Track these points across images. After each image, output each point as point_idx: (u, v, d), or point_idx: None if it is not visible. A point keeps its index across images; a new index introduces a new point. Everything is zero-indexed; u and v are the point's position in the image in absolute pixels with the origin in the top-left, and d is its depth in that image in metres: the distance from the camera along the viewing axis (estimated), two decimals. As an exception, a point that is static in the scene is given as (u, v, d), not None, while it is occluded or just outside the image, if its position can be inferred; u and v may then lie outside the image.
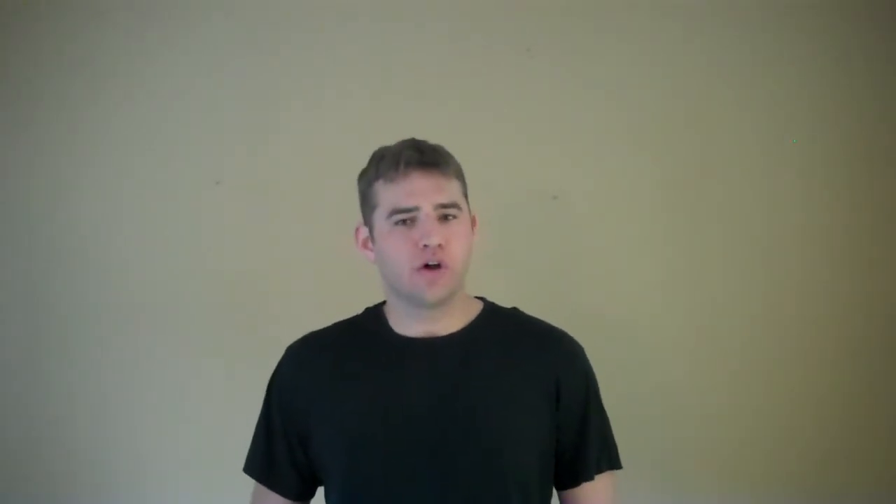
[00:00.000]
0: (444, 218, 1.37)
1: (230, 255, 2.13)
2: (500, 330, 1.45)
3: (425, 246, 1.35)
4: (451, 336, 1.42)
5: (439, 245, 1.35)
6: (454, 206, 1.38)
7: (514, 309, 1.50)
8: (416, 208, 1.36)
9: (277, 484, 1.49)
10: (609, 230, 2.13)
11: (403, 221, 1.37)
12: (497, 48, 2.12)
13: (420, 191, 1.36)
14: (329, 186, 2.10)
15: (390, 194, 1.38)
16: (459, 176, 1.42)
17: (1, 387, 2.13)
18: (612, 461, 1.47)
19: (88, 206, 2.15)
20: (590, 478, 1.43)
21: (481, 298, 1.50)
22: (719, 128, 2.12)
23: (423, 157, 1.37)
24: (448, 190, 1.38)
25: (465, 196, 1.43)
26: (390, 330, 1.44)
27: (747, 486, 2.10)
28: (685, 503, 2.09)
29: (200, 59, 2.14)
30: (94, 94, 2.14)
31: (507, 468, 1.37)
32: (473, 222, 1.44)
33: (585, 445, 1.43)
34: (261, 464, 1.50)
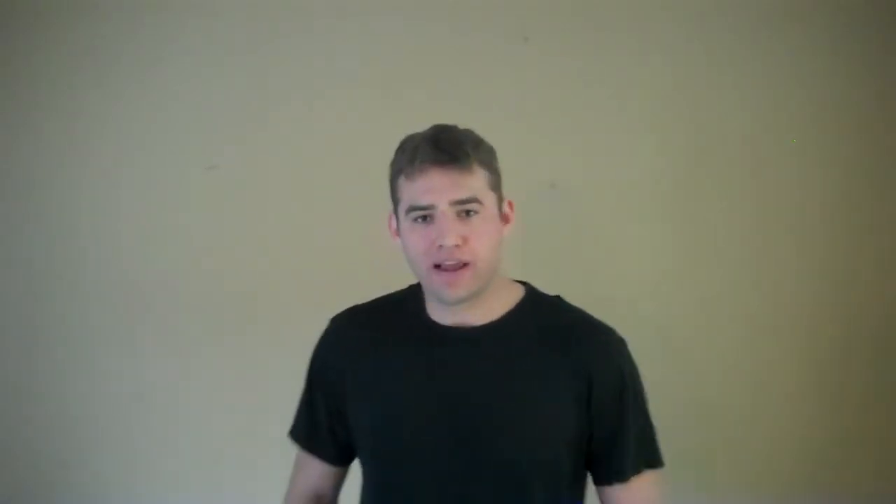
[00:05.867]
0: (466, 213, 1.33)
1: (224, 244, 2.13)
2: (537, 322, 1.42)
3: (441, 245, 1.33)
4: (486, 327, 1.40)
5: (457, 245, 1.32)
6: (473, 201, 1.33)
7: (558, 297, 1.47)
8: (431, 206, 1.33)
9: (317, 449, 1.53)
10: (607, 218, 2.12)
11: (424, 218, 1.34)
12: (494, 37, 2.11)
13: (436, 188, 1.32)
14: (324, 172, 2.10)
15: (408, 190, 1.35)
16: (486, 165, 1.37)
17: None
18: (651, 462, 1.43)
19: (85, 196, 2.14)
20: (624, 479, 1.40)
21: (524, 283, 1.48)
22: (716, 116, 2.11)
23: (438, 152, 1.32)
24: (466, 185, 1.33)
25: (495, 185, 1.38)
26: (427, 315, 1.43)
27: (739, 482, 2.10)
28: (675, 498, 2.08)
29: (197, 44, 2.13)
30: (92, 82, 2.13)
31: (528, 463, 1.37)
32: (506, 215, 1.41)
33: (620, 446, 1.40)
34: (303, 430, 1.54)
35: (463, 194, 1.32)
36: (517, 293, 1.45)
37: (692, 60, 2.11)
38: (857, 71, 2.09)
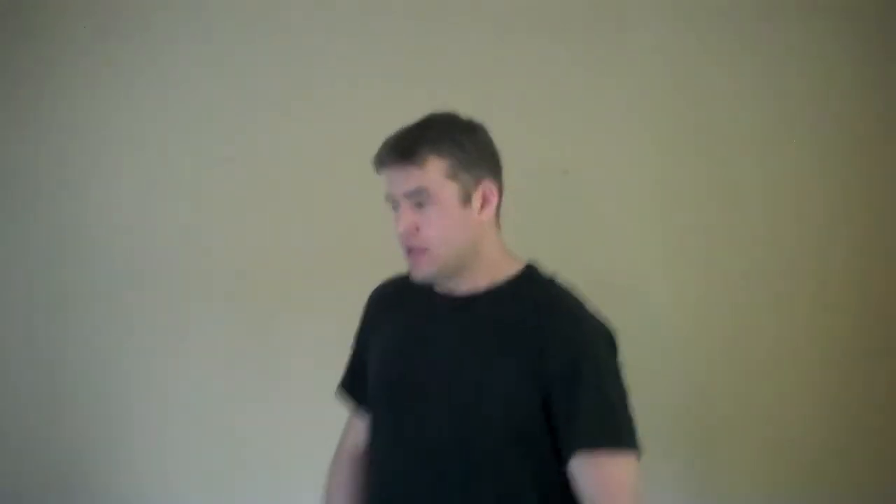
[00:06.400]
0: (418, 204, 1.43)
1: (238, 239, 2.13)
2: (516, 298, 1.47)
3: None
4: (465, 297, 1.48)
5: (409, 232, 1.43)
6: (420, 192, 1.42)
7: (551, 279, 1.52)
8: (392, 196, 1.46)
9: (357, 398, 1.64)
10: (619, 204, 2.12)
11: (394, 206, 1.47)
12: (505, 31, 2.10)
13: (391, 180, 1.45)
14: (328, 166, 2.10)
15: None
16: (447, 155, 1.42)
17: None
18: (613, 439, 1.40)
19: (93, 194, 2.14)
20: (571, 453, 1.39)
21: (530, 263, 1.52)
22: (726, 103, 2.09)
23: (389, 150, 1.43)
24: (413, 177, 1.42)
25: (456, 173, 1.42)
26: (431, 285, 1.52)
27: (734, 475, 2.09)
28: (667, 487, 2.07)
29: (211, 37, 2.14)
30: (91, 79, 2.13)
31: (474, 429, 1.42)
32: (486, 197, 1.45)
33: (570, 421, 1.39)
34: (347, 384, 1.67)
35: (409, 186, 1.43)
36: (512, 269, 1.50)
37: (702, 46, 2.09)
38: (859, 69, 2.07)
